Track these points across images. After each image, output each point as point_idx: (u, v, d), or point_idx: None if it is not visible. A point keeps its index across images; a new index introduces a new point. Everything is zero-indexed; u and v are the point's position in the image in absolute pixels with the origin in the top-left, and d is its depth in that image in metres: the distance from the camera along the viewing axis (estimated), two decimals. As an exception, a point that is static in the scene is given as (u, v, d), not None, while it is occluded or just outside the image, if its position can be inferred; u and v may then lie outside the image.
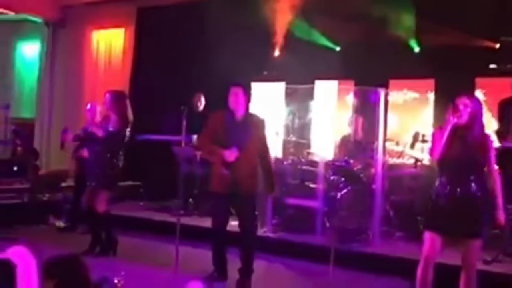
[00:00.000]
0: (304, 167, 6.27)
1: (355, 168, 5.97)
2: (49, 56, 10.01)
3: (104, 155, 5.26)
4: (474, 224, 3.51)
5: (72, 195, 6.78)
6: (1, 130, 8.91)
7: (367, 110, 6.25)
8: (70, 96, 9.61)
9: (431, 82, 6.71)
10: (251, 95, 4.63)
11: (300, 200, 5.92)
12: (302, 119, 6.82)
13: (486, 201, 3.51)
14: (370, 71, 6.63)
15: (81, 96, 9.38)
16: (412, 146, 6.17)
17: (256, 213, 4.80)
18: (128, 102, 5.42)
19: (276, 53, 7.51)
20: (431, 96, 6.71)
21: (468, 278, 3.59)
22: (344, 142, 6.40)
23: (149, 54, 8.75)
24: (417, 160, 6.20)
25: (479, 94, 6.07)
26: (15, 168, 7.23)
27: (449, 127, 3.52)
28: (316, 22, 6.99)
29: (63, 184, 7.63)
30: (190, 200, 6.96)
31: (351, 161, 5.99)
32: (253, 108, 4.68)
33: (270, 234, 5.92)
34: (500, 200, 3.52)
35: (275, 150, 6.06)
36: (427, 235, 3.58)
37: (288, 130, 6.64)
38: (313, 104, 6.61)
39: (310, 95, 6.58)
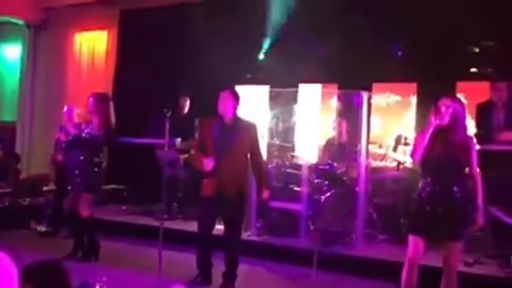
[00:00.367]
0: (288, 170, 6.29)
1: (338, 171, 6.00)
2: (31, 59, 9.89)
3: (86, 159, 5.21)
4: (455, 226, 3.54)
5: (53, 199, 6.71)
6: (-18, 133, 8.80)
7: (350, 113, 6.28)
8: (52, 99, 9.48)
9: (413, 85, 6.78)
10: (239, 98, 4.62)
11: (284, 203, 5.93)
12: (286, 122, 6.84)
13: (467, 203, 3.55)
14: (353, 75, 6.68)
15: (63, 99, 9.25)
16: (395, 149, 6.23)
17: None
18: (111, 104, 5.38)
19: (260, 56, 7.52)
20: (414, 99, 6.78)
21: (449, 280, 3.62)
22: (328, 145, 6.43)
23: (132, 57, 8.70)
24: (399, 163, 6.25)
25: (460, 97, 6.14)
26: (-5, 172, 7.15)
27: (430, 129, 3.54)
28: (301, 26, 7.02)
29: (45, 188, 7.54)
30: (174, 204, 6.93)
31: (335, 164, 6.02)
32: (238, 112, 4.67)
33: (254, 238, 5.92)
34: (480, 202, 3.56)
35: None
36: (411, 238, 3.60)
37: (272, 133, 6.65)
38: (297, 108, 6.64)
39: (294, 98, 6.60)
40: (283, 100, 6.66)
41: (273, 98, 6.49)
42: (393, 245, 5.61)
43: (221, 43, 6.83)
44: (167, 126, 4.79)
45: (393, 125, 6.83)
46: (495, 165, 4.84)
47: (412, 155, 3.73)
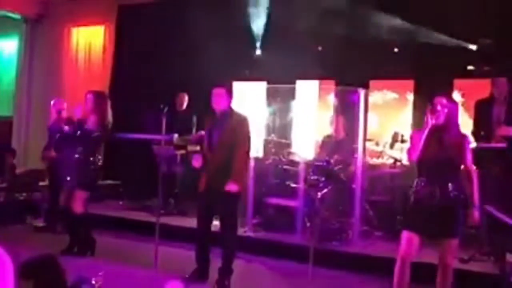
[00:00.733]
0: (285, 167, 6.29)
1: (335, 168, 6.01)
2: (28, 54, 9.86)
3: (82, 156, 5.20)
4: (451, 223, 3.56)
5: (48, 194, 6.70)
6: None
7: (347, 110, 6.30)
8: (48, 94, 9.41)
9: (410, 83, 6.79)
10: (231, 94, 4.62)
11: (281, 199, 5.94)
12: (283, 118, 6.84)
13: (462, 201, 3.56)
14: (350, 72, 6.69)
15: (60, 94, 9.20)
16: (392, 146, 6.24)
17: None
18: (108, 102, 5.37)
19: (258, 52, 7.52)
20: (410, 96, 6.79)
21: (445, 276, 3.64)
22: (325, 142, 6.44)
23: (130, 52, 8.68)
24: (396, 160, 6.26)
25: (457, 95, 6.16)
26: (-9, 167, 7.13)
27: (427, 129, 3.56)
28: (298, 22, 7.01)
29: (41, 183, 7.51)
30: (170, 199, 6.93)
31: (332, 160, 6.03)
32: (234, 108, 4.68)
33: (251, 234, 5.92)
34: (476, 198, 3.58)
35: (256, 149, 6.06)
36: (405, 234, 3.61)
37: (269, 129, 6.66)
38: (294, 104, 6.63)
39: (291, 94, 6.59)
40: (280, 96, 6.67)
41: (270, 94, 6.49)
42: (389, 242, 5.61)
43: (219, 39, 6.82)
44: (164, 122, 4.79)
45: (390, 122, 6.84)
46: (494, 163, 4.86)
47: (409, 154, 3.75)
